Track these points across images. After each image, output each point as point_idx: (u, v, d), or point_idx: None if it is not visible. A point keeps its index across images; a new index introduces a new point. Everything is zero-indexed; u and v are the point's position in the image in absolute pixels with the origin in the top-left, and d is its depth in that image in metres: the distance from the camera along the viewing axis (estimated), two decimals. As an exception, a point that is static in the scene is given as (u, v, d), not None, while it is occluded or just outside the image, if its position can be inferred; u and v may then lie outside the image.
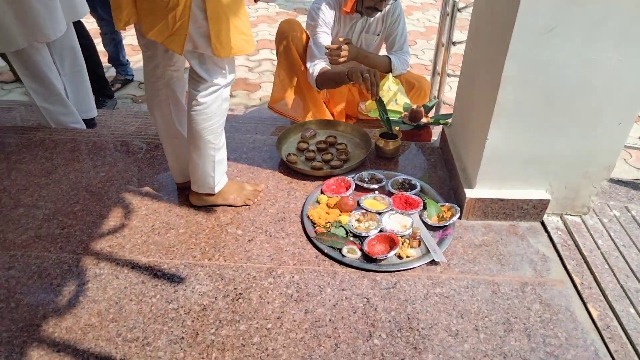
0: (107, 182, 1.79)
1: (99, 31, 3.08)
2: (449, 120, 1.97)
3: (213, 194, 1.62)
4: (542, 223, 1.61)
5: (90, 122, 2.30)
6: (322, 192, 1.72)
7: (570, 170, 1.51)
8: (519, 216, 1.60)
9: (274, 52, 2.45)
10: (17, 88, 3.31)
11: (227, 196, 1.65)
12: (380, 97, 1.89)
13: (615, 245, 1.52)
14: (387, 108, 2.16)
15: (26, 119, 2.48)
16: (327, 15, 2.19)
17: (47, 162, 1.90)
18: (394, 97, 2.21)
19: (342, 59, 2.08)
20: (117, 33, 3.12)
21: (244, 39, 1.33)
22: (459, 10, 2.33)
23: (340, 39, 2.10)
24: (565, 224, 1.60)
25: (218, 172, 1.57)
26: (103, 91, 2.83)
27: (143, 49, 1.46)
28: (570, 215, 1.63)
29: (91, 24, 2.98)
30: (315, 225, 1.57)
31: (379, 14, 2.23)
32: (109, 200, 1.70)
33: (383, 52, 2.42)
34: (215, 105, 1.43)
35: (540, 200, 1.55)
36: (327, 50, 2.08)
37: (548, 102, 1.36)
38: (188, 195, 1.67)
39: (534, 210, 1.58)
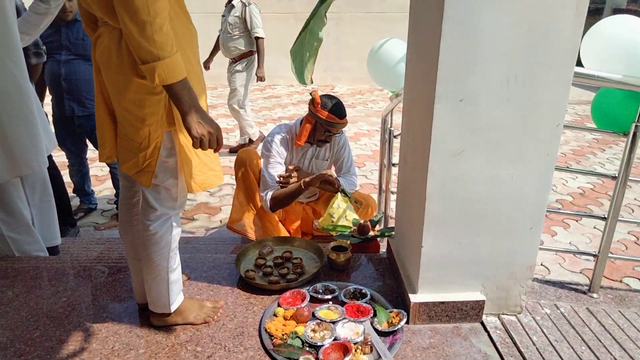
0: (69, 307, 1.83)
1: (66, 163, 3.27)
2: (393, 233, 2.17)
3: (169, 313, 1.69)
4: (482, 323, 1.74)
5: (53, 250, 2.37)
6: (279, 305, 1.82)
7: (498, 272, 1.70)
8: (460, 317, 1.74)
9: (234, 177, 2.68)
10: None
11: (186, 315, 1.72)
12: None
13: (549, 340, 1.66)
14: (338, 224, 2.37)
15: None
16: (279, 147, 2.48)
17: (8, 290, 1.94)
18: (344, 213, 2.42)
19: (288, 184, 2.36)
20: (84, 165, 3.32)
21: (213, 174, 1.53)
22: (394, 137, 2.67)
23: (290, 167, 2.37)
24: (502, 323, 1.74)
25: (172, 292, 1.65)
26: (67, 219, 2.93)
27: (122, 179, 1.62)
28: (506, 314, 1.78)
29: (58, 157, 3.17)
30: (272, 338, 1.64)
31: (327, 144, 2.54)
32: (69, 325, 1.73)
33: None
34: (164, 232, 1.55)
35: (477, 301, 1.71)
36: (279, 179, 2.34)
37: (467, 212, 1.59)
38: (149, 316, 1.73)
39: (473, 311, 1.72)
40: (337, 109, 2.39)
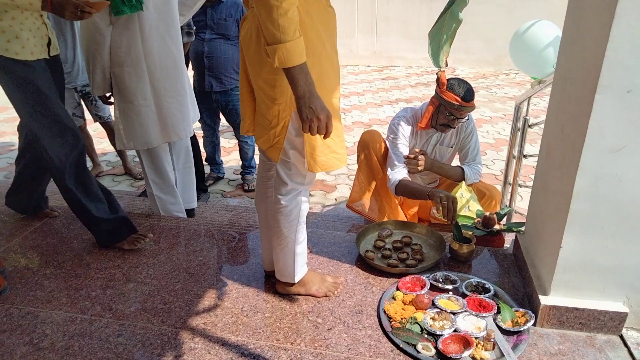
0: (204, 265, 2.01)
1: (202, 134, 3.55)
2: (522, 228, 2.05)
3: (293, 283, 1.78)
4: (622, 337, 1.59)
5: (190, 212, 2.61)
6: (398, 289, 1.82)
7: (648, 284, 1.53)
8: (596, 327, 1.60)
9: (354, 156, 2.71)
10: (126, 180, 3.79)
11: (309, 287, 1.80)
12: (456, 222, 2.07)
13: None
14: (460, 214, 2.29)
15: (133, 206, 2.84)
16: (405, 130, 2.44)
17: (155, 244, 2.18)
18: (467, 203, 2.33)
19: (419, 168, 2.29)
20: (217, 137, 3.58)
21: (336, 157, 1.54)
22: (529, 126, 2.50)
23: (417, 150, 2.32)
24: (647, 340, 1.57)
25: (298, 263, 1.73)
26: (200, 185, 3.19)
27: (260, 154, 1.73)
28: (652, 331, 1.61)
29: (197, 129, 3.44)
30: (391, 320, 1.66)
31: (452, 129, 2.45)
32: (205, 282, 1.90)
33: (456, 161, 2.61)
34: (294, 207, 1.62)
35: (618, 312, 1.56)
36: (406, 160, 2.30)
37: (622, 215, 1.44)
38: (274, 282, 1.84)
39: (612, 322, 1.58)
40: (464, 91, 2.28)
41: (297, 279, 1.76)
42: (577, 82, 1.47)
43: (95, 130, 4.57)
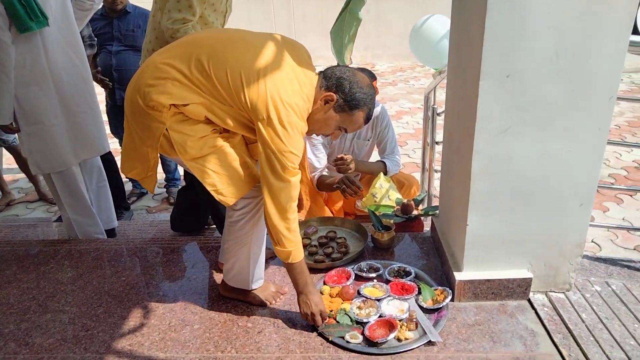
0: (128, 285, 1.95)
1: (119, 150, 3.42)
2: (437, 212, 2.17)
3: (248, 291, 1.78)
4: (529, 301, 1.73)
5: (111, 232, 2.51)
6: (324, 283, 1.86)
7: (546, 249, 1.67)
8: (507, 295, 1.73)
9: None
10: (41, 206, 3.58)
11: (248, 293, 1.79)
12: (371, 210, 2.18)
13: (599, 318, 1.63)
14: (381, 203, 2.38)
15: (49, 233, 2.69)
16: None
17: (73, 270, 2.08)
18: (386, 193, 2.43)
19: (351, 168, 2.41)
20: (135, 151, 3.46)
21: (242, 181, 1.54)
22: (437, 114, 2.64)
23: (342, 155, 2.40)
24: (550, 301, 1.72)
25: (255, 273, 1.74)
26: (121, 203, 3.07)
27: None
28: (554, 292, 1.76)
29: (111, 144, 3.32)
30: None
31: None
32: (129, 302, 1.84)
33: (375, 155, 2.70)
34: (249, 218, 1.62)
35: (524, 279, 1.70)
36: (335, 163, 2.41)
37: (513, 190, 1.57)
38: (201, 294, 1.83)
39: (519, 288, 1.71)
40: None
41: (252, 287, 1.76)
42: (465, 70, 1.58)
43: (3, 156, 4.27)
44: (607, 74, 1.41)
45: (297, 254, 1.55)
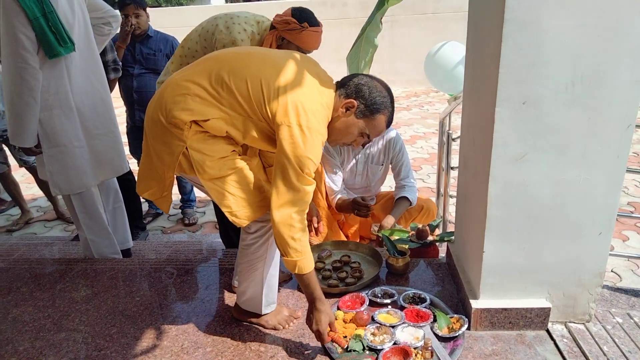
0: (142, 306, 1.96)
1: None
2: (452, 237, 2.15)
3: (260, 315, 1.77)
4: (548, 331, 1.69)
5: (127, 252, 2.53)
6: (338, 308, 1.85)
7: (564, 279, 1.64)
8: (525, 325, 1.69)
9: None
10: (58, 225, 3.63)
11: (261, 316, 1.78)
12: (385, 236, 2.20)
13: (621, 351, 1.58)
14: (396, 229, 2.38)
15: (66, 252, 2.72)
16: (330, 150, 2.55)
17: (88, 289, 2.10)
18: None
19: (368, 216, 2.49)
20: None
21: (256, 205, 1.55)
22: (453, 140, 2.64)
23: (365, 201, 2.47)
24: (570, 332, 1.68)
25: (266, 296, 1.73)
26: (137, 223, 3.11)
27: None
28: (574, 323, 1.71)
29: (132, 164, 3.37)
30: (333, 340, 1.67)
31: (376, 145, 2.56)
32: (142, 323, 1.84)
33: (389, 179, 2.71)
34: (263, 243, 1.63)
35: (542, 308, 1.66)
36: (355, 205, 2.48)
37: (530, 218, 1.55)
38: (214, 316, 1.82)
39: (538, 318, 1.67)
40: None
41: (265, 312, 1.76)
42: (481, 96, 1.58)
43: (23, 176, 4.37)
44: (623, 101, 1.41)
45: (304, 265, 1.50)
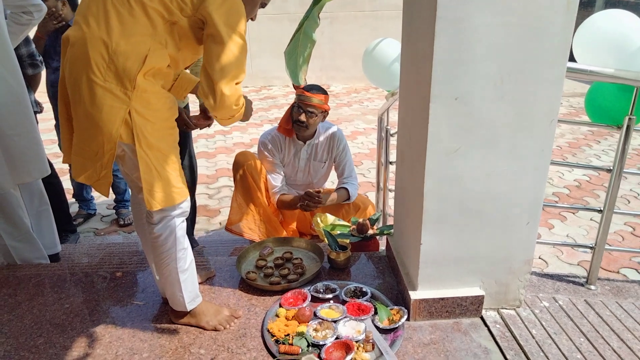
0: (71, 313, 1.84)
1: (66, 170, 3.27)
2: (392, 231, 2.19)
3: (186, 312, 1.72)
4: (482, 318, 1.76)
5: (55, 257, 2.38)
6: (280, 306, 1.83)
7: (496, 267, 1.72)
8: (460, 313, 1.75)
9: (232, 179, 2.70)
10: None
11: (200, 318, 1.73)
12: (327, 231, 2.21)
13: (548, 333, 1.68)
14: (337, 223, 2.39)
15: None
16: (271, 146, 2.55)
17: (11, 298, 1.95)
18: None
19: (320, 202, 2.48)
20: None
21: (176, 191, 1.51)
22: (391, 135, 2.69)
23: (315, 190, 2.46)
24: (502, 317, 1.76)
25: (186, 292, 1.67)
26: (66, 227, 2.93)
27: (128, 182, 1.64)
28: (506, 309, 1.80)
29: (57, 164, 3.17)
30: (275, 338, 1.66)
31: (318, 141, 2.57)
32: (72, 331, 1.74)
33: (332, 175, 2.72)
34: (169, 234, 1.56)
35: (476, 296, 1.73)
36: (304, 200, 2.47)
37: (464, 209, 1.61)
38: (151, 320, 1.75)
39: (472, 306, 1.74)
40: (309, 85, 2.45)
41: (189, 308, 1.70)
42: (417, 92, 1.62)
43: None
44: (548, 98, 1.49)
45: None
